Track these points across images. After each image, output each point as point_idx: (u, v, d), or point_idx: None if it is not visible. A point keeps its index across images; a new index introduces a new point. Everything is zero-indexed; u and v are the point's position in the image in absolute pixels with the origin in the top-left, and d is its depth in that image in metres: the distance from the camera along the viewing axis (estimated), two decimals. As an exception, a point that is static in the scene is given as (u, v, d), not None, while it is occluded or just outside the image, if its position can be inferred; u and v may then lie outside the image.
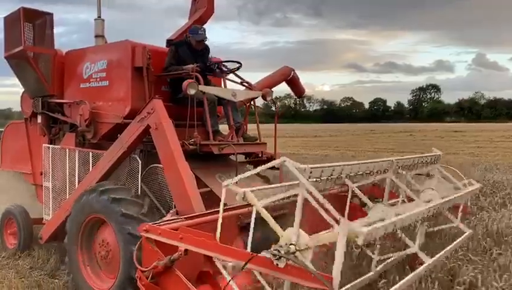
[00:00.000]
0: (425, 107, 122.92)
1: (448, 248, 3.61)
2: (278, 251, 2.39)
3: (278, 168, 5.34)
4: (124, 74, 4.53)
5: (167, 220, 3.34)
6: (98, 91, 4.84)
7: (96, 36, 5.69)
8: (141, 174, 4.36)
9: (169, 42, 5.43)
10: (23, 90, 5.86)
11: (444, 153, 5.08)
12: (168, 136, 3.95)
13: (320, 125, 67.07)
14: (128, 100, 4.50)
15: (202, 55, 4.88)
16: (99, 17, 5.73)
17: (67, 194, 5.10)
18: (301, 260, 2.29)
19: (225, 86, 4.95)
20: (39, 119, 5.49)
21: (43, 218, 5.63)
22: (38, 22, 5.25)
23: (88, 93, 4.93)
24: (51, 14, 5.24)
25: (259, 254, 2.49)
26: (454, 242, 3.78)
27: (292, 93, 7.49)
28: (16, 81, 5.67)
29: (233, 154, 4.38)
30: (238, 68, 4.85)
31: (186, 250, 2.87)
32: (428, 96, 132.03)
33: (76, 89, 5.09)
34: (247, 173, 2.70)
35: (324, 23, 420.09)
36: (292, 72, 6.88)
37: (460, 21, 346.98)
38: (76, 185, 4.94)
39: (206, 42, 4.89)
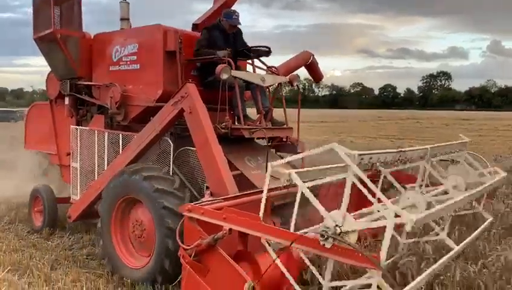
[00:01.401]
0: (435, 95, 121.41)
1: (473, 235, 3.74)
2: (326, 231, 2.51)
3: (299, 152, 5.48)
4: (156, 57, 4.60)
5: (207, 201, 3.46)
6: (128, 74, 4.92)
7: (122, 19, 5.74)
8: (173, 156, 4.49)
9: (195, 26, 5.49)
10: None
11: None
12: (203, 120, 4.06)
13: (328, 111, 67.43)
14: (160, 84, 4.59)
15: (234, 38, 4.94)
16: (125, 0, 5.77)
17: (96, 174, 5.23)
18: (349, 241, 2.42)
19: (254, 71, 5.02)
20: (67, 100, 5.59)
21: (68, 197, 5.79)
22: (65, 5, 5.30)
23: (118, 76, 5.01)
24: (78, -3, 5.28)
25: (305, 235, 2.63)
26: (479, 229, 3.90)
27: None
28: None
29: (263, 138, 4.48)
30: (268, 53, 4.90)
31: (230, 229, 3.01)
32: (439, 83, 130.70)
33: (105, 71, 5.17)
34: (297, 157, 2.80)
35: (337, 7, 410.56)
36: (312, 56, 6.92)
37: (475, 7, 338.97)
38: (106, 166, 5.07)
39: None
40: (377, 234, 3.66)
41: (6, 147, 6.97)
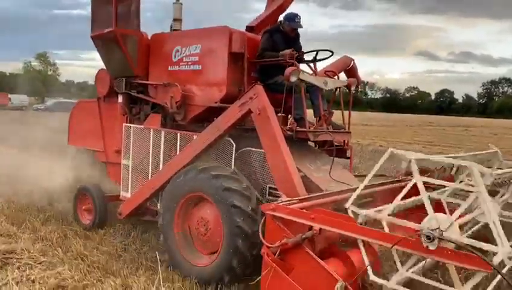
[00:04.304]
0: (495, 102, 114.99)
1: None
2: (432, 233, 2.56)
3: (348, 157, 5.53)
4: (220, 59, 4.65)
5: (286, 201, 3.50)
6: (189, 75, 4.98)
7: (175, 20, 5.79)
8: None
9: (250, 28, 5.56)
10: (99, 68, 6.03)
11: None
12: (272, 121, 4.11)
13: (376, 114, 65.98)
14: (224, 85, 4.64)
15: (294, 41, 5.01)
16: (178, 0, 5.84)
17: (150, 172, 5.28)
18: (465, 243, 2.46)
19: (315, 74, 5.08)
20: (120, 98, 5.64)
21: (118, 195, 5.83)
22: (122, 4, 5.36)
23: (177, 76, 5.06)
24: (137, -4, 5.35)
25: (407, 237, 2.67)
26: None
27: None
28: (93, 55, 5.93)
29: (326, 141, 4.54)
30: (329, 57, 4.97)
31: (320, 229, 3.06)
32: (501, 90, 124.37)
33: (164, 71, 5.22)
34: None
35: (397, 8, 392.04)
36: (352, 62, 6.98)
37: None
38: (161, 165, 5.11)
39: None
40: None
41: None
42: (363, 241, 2.90)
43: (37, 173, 7.56)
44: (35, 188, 7.21)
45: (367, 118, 43.99)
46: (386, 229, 2.81)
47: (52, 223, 5.98)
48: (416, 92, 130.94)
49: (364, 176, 5.39)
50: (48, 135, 9.59)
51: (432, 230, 2.58)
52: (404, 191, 2.77)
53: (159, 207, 4.96)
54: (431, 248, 2.57)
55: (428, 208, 2.62)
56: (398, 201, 2.84)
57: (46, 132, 10.22)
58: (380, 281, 2.79)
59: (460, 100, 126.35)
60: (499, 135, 34.10)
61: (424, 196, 2.62)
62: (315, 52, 4.91)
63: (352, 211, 3.02)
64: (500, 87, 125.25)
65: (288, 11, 5.57)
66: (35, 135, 10.44)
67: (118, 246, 5.24)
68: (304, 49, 5.20)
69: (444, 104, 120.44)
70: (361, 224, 2.91)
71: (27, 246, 4.91)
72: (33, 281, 4.14)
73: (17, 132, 13.20)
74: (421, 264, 2.99)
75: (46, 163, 7.86)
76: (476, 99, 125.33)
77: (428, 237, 2.57)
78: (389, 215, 2.90)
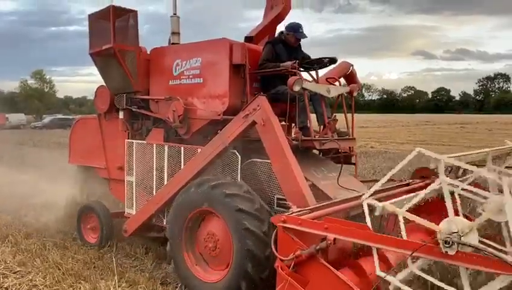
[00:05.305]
0: (492, 98, 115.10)
1: None
2: (450, 238, 2.52)
3: (354, 163, 5.49)
4: (222, 71, 4.63)
5: (296, 211, 3.46)
6: (190, 88, 4.95)
7: (173, 33, 5.79)
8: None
9: (249, 39, 5.55)
10: (97, 83, 6.01)
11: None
12: (277, 132, 4.08)
13: (374, 116, 66.11)
14: (226, 97, 4.62)
15: (296, 51, 5.01)
16: (175, 14, 5.83)
17: (154, 188, 5.22)
18: (482, 246, 2.43)
19: (317, 82, 5.06)
20: (121, 115, 5.60)
21: (122, 212, 5.77)
22: (120, 19, 5.35)
23: (178, 90, 5.03)
24: (135, 12, 5.34)
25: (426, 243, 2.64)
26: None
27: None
28: (91, 70, 5.97)
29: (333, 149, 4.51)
30: (333, 63, 4.96)
31: (335, 239, 3.01)
32: (497, 86, 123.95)
33: (165, 85, 5.19)
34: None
35: (392, 9, 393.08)
36: (351, 67, 6.99)
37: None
38: (165, 180, 5.06)
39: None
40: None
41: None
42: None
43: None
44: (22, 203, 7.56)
45: (363, 120, 44.24)
46: (403, 228, 2.78)
47: (33, 237, 6.19)
48: (413, 91, 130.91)
49: (371, 181, 5.40)
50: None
51: (450, 234, 2.55)
52: (404, 231, 2.76)
53: (165, 222, 4.91)
54: (450, 253, 2.54)
55: (426, 223, 2.59)
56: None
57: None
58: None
59: (458, 98, 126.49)
60: (493, 131, 34.39)
61: (417, 219, 2.61)
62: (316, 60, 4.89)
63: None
64: (496, 83, 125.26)
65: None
66: None
67: (93, 255, 5.43)
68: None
69: (441, 103, 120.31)
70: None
71: (4, 257, 5.21)
72: (6, 289, 4.40)
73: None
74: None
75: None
76: (473, 96, 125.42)
77: (446, 242, 2.53)
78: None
